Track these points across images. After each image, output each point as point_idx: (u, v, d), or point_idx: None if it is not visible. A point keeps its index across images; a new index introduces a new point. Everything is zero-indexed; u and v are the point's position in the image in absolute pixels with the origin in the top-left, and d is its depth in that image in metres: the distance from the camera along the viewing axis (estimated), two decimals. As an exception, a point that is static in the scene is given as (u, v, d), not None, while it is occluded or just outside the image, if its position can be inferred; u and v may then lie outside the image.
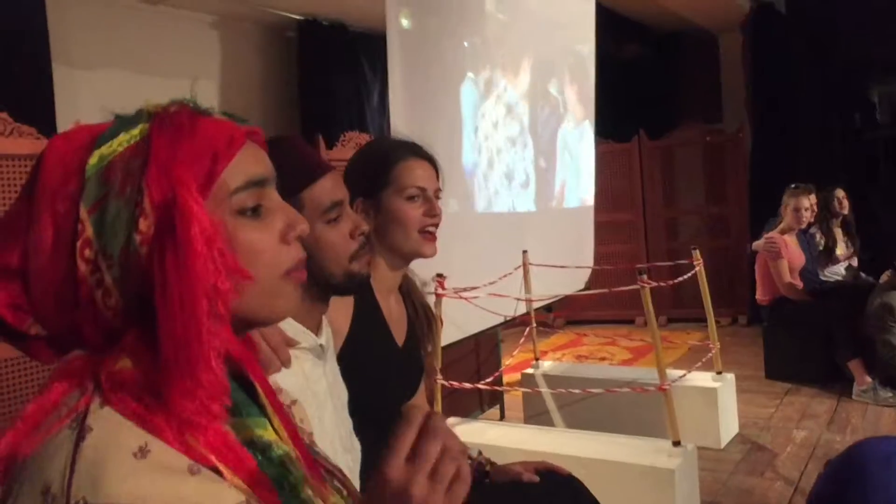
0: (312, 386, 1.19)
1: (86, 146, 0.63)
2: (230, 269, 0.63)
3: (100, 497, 0.55)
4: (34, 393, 0.69)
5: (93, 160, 0.62)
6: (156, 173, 0.61)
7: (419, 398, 1.69)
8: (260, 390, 0.74)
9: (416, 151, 1.56)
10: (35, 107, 3.72)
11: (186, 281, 0.60)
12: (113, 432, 0.59)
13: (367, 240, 1.28)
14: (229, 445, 0.64)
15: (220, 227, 0.64)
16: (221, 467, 0.62)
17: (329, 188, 1.23)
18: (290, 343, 1.04)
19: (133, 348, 0.62)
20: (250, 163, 0.69)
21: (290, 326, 1.14)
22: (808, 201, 4.35)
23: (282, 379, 0.98)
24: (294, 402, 0.90)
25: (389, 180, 1.51)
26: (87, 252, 0.61)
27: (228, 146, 0.66)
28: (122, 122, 0.65)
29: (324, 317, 1.30)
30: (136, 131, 0.64)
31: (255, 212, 0.69)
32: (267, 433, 0.70)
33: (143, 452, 0.58)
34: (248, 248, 0.67)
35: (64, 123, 3.76)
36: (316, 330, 1.25)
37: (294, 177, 1.14)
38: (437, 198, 1.56)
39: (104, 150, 0.62)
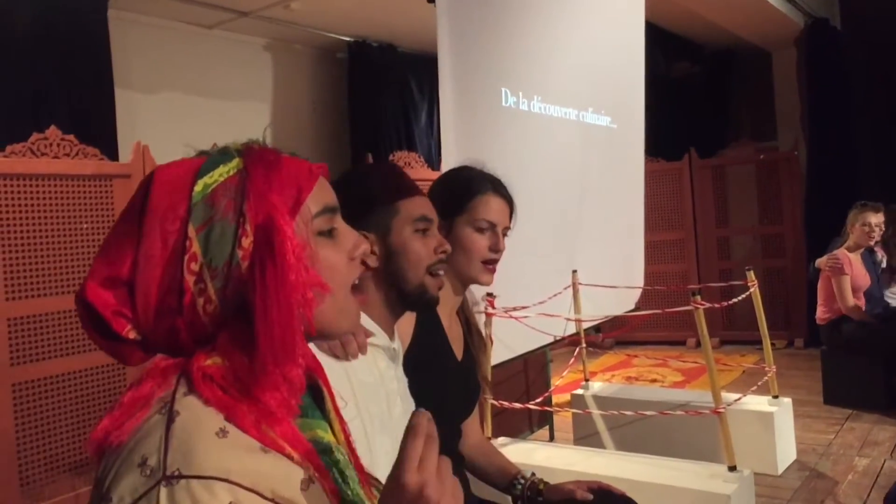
0: (386, 384, 1.26)
1: (188, 176, 0.73)
2: (313, 282, 0.73)
3: (192, 469, 0.63)
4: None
5: (198, 188, 0.72)
6: (254, 200, 0.72)
7: (474, 423, 1.70)
8: (327, 397, 0.84)
9: (497, 188, 1.67)
10: (98, 129, 3.85)
11: (283, 289, 0.70)
12: (197, 416, 0.68)
13: (446, 262, 1.38)
14: (299, 439, 0.73)
15: (305, 246, 0.74)
16: (293, 453, 0.71)
17: (423, 204, 1.36)
18: (367, 333, 1.13)
19: (225, 348, 0.72)
20: (325, 193, 0.80)
21: (366, 321, 1.24)
22: (877, 218, 4.24)
23: (359, 372, 1.11)
24: (345, 405, 0.98)
25: (466, 209, 1.61)
26: (193, 265, 0.70)
27: (308, 178, 0.77)
28: (218, 157, 0.76)
29: (395, 328, 1.37)
30: (232, 164, 0.75)
31: (330, 234, 0.80)
32: (328, 435, 0.79)
33: (223, 433, 0.67)
34: (325, 264, 0.77)
35: (124, 144, 3.89)
36: (390, 335, 1.32)
37: (395, 188, 1.33)
38: (505, 235, 1.67)
39: (207, 179, 0.73)
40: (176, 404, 0.68)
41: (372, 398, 1.17)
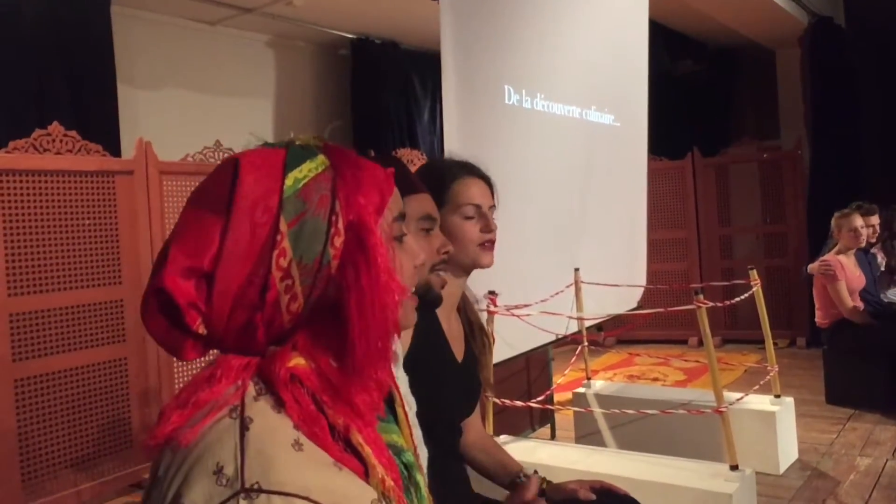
0: None
1: (277, 167, 0.71)
2: (396, 285, 0.73)
3: (272, 483, 0.61)
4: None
5: (289, 181, 0.70)
6: (345, 199, 0.71)
7: (475, 418, 1.69)
8: (398, 400, 0.84)
9: (470, 170, 1.62)
10: (101, 125, 3.86)
11: (378, 292, 0.69)
12: (272, 425, 0.66)
13: (447, 262, 1.37)
14: (382, 447, 0.73)
15: (388, 249, 0.74)
16: (376, 463, 0.70)
17: (427, 202, 1.36)
18: None
19: (307, 348, 0.70)
20: (398, 198, 0.80)
21: None
22: (863, 221, 4.22)
23: None
24: (410, 409, 0.99)
25: (446, 199, 1.56)
26: (282, 261, 0.68)
27: (387, 182, 0.77)
28: (300, 151, 0.74)
29: None
30: (318, 161, 0.73)
31: (401, 239, 0.81)
32: (401, 440, 0.80)
33: (298, 446, 0.65)
34: (399, 268, 0.76)
35: (127, 141, 3.89)
36: None
37: (401, 185, 1.27)
38: (492, 213, 1.62)
39: (297, 173, 0.71)
40: (247, 409, 0.66)
41: (411, 417, 1.17)
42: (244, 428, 0.64)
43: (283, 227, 0.68)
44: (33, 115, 3.67)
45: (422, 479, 0.79)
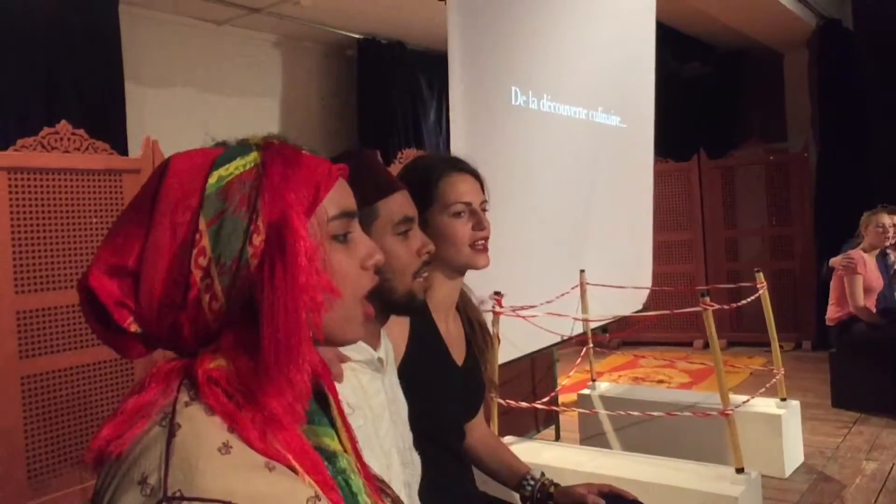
0: (370, 399, 1.20)
1: (204, 167, 0.70)
2: (324, 286, 0.70)
3: (194, 491, 0.60)
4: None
5: (212, 180, 0.69)
6: (269, 196, 0.69)
7: (479, 418, 1.67)
8: (332, 403, 0.81)
9: (458, 166, 1.53)
10: (108, 123, 3.87)
11: (292, 291, 0.67)
12: (199, 430, 0.64)
13: (429, 263, 1.29)
14: (304, 448, 0.70)
15: (318, 249, 0.71)
16: (297, 467, 0.67)
17: (404, 202, 1.26)
18: (343, 359, 1.06)
19: (229, 349, 0.69)
20: (344, 196, 0.78)
21: None
22: (891, 219, 4.26)
23: (340, 391, 1.00)
24: (352, 411, 0.96)
25: (434, 198, 1.48)
26: (202, 260, 0.67)
27: (327, 178, 0.74)
28: (236, 149, 0.73)
29: (382, 330, 1.30)
30: (249, 158, 0.71)
31: (344, 238, 0.77)
32: (334, 443, 0.77)
33: (226, 448, 0.63)
34: (337, 269, 0.74)
35: (134, 139, 3.90)
36: (374, 343, 1.25)
37: (372, 187, 1.22)
38: (484, 210, 1.53)
39: (222, 171, 0.70)
40: (177, 416, 0.64)
41: (356, 420, 1.13)
42: (171, 435, 0.63)
43: (201, 225, 0.67)
44: (41, 113, 3.68)
45: (359, 485, 0.76)
